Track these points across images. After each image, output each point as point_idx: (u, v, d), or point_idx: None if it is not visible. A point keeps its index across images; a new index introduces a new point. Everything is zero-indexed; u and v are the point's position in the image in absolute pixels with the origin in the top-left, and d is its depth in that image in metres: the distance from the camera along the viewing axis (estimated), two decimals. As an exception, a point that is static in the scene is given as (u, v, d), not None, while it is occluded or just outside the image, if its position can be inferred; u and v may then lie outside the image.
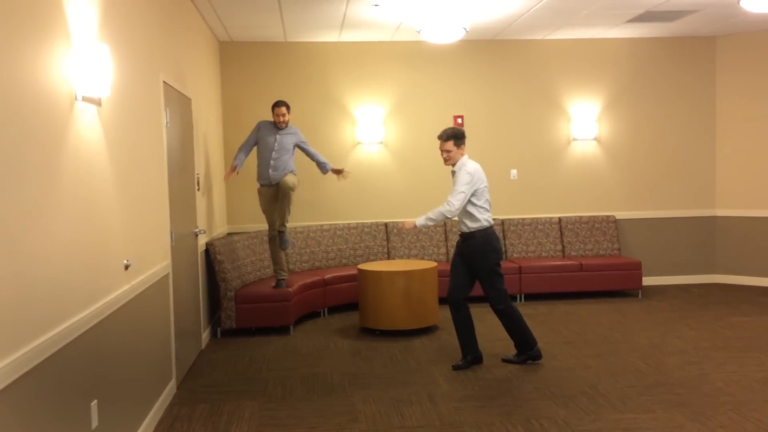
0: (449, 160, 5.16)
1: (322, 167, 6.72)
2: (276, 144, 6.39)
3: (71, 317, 2.79)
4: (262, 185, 6.50)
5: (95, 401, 3.05)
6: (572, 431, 3.88)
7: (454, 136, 5.12)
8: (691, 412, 4.11)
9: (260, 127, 6.53)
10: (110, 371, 3.30)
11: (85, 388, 2.94)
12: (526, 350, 5.19)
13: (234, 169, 6.51)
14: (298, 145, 6.59)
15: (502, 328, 5.13)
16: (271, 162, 6.36)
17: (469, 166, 5.10)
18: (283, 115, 6.40)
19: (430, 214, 5.08)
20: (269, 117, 6.52)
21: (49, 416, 2.54)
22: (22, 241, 2.35)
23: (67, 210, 2.78)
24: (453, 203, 5.00)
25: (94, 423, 3.02)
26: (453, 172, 5.19)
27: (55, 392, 2.62)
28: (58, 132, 2.73)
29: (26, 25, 2.45)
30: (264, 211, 6.54)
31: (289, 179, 6.35)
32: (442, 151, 5.16)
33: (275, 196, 6.43)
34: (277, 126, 6.42)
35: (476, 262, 5.11)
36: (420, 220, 5.12)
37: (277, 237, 6.52)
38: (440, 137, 5.17)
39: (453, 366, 5.15)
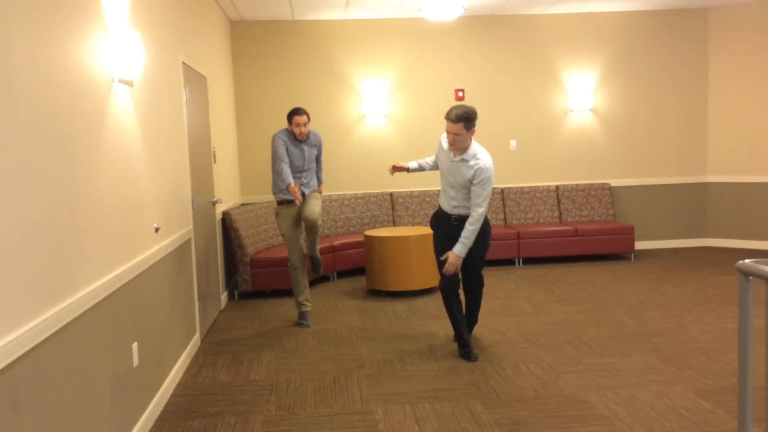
0: (456, 144, 4.34)
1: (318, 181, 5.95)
2: (306, 158, 5.68)
3: (116, 268, 3.25)
4: (282, 203, 5.62)
5: (136, 343, 3.52)
6: (555, 373, 4.34)
7: (466, 118, 4.28)
8: (664, 357, 4.56)
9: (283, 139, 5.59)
10: (147, 320, 3.78)
11: (128, 331, 3.42)
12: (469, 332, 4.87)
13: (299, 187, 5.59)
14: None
15: (499, 288, 5.55)
16: (303, 180, 5.65)
17: (488, 166, 4.35)
18: (305, 124, 5.60)
19: (465, 240, 4.39)
20: (278, 92, 6.75)
21: (100, 351, 3.01)
22: (77, 203, 2.80)
23: (109, 177, 3.23)
24: (480, 211, 4.37)
25: (136, 362, 3.51)
26: (461, 160, 4.39)
27: (105, 331, 3.09)
28: (100, 110, 3.16)
29: (70, 15, 2.87)
30: (284, 235, 5.67)
31: (318, 210, 5.60)
32: (450, 133, 4.32)
33: (298, 220, 5.66)
34: (297, 138, 5.62)
35: (478, 242, 4.56)
36: (459, 250, 4.42)
37: (303, 265, 5.69)
38: (449, 117, 4.28)
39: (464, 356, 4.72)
